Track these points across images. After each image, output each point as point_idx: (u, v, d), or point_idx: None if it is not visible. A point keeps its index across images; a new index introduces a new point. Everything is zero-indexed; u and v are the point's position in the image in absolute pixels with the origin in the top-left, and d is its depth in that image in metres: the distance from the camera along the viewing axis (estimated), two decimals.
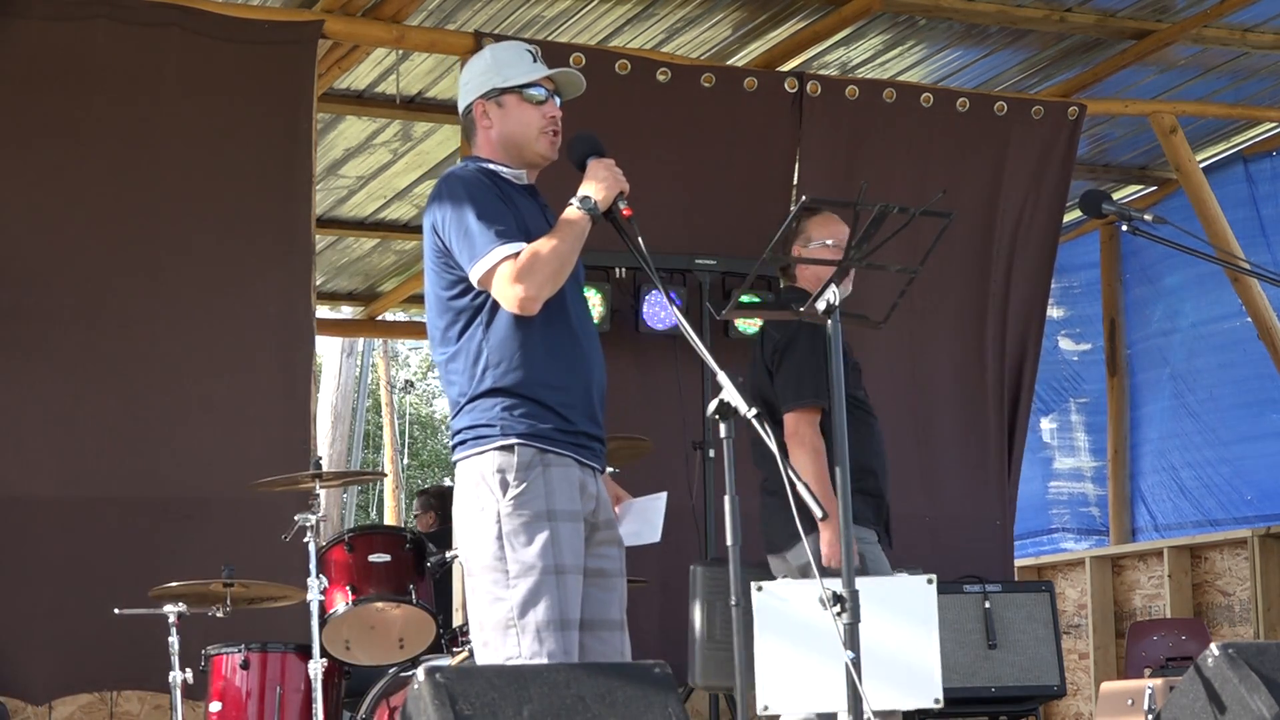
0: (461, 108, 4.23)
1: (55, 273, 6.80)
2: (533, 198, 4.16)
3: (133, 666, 6.57)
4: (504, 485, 3.93)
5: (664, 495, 4.25)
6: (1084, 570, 9.92)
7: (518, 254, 3.92)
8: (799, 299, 5.12)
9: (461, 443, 4.02)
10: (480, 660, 3.96)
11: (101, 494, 6.73)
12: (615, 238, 4.08)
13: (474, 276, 3.97)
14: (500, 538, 3.92)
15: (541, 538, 3.89)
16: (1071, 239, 10.05)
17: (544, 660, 3.83)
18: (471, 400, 4.00)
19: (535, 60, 4.19)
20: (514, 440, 3.95)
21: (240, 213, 7.09)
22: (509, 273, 3.91)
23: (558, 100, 4.19)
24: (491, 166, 4.15)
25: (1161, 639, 8.36)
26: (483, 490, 3.96)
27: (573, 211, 3.98)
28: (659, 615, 7.40)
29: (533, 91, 4.14)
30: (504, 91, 4.14)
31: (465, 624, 5.88)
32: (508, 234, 3.95)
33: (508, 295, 3.93)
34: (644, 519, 4.22)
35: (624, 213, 4.00)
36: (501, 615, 3.90)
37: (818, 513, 3.55)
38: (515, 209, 4.04)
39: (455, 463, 4.05)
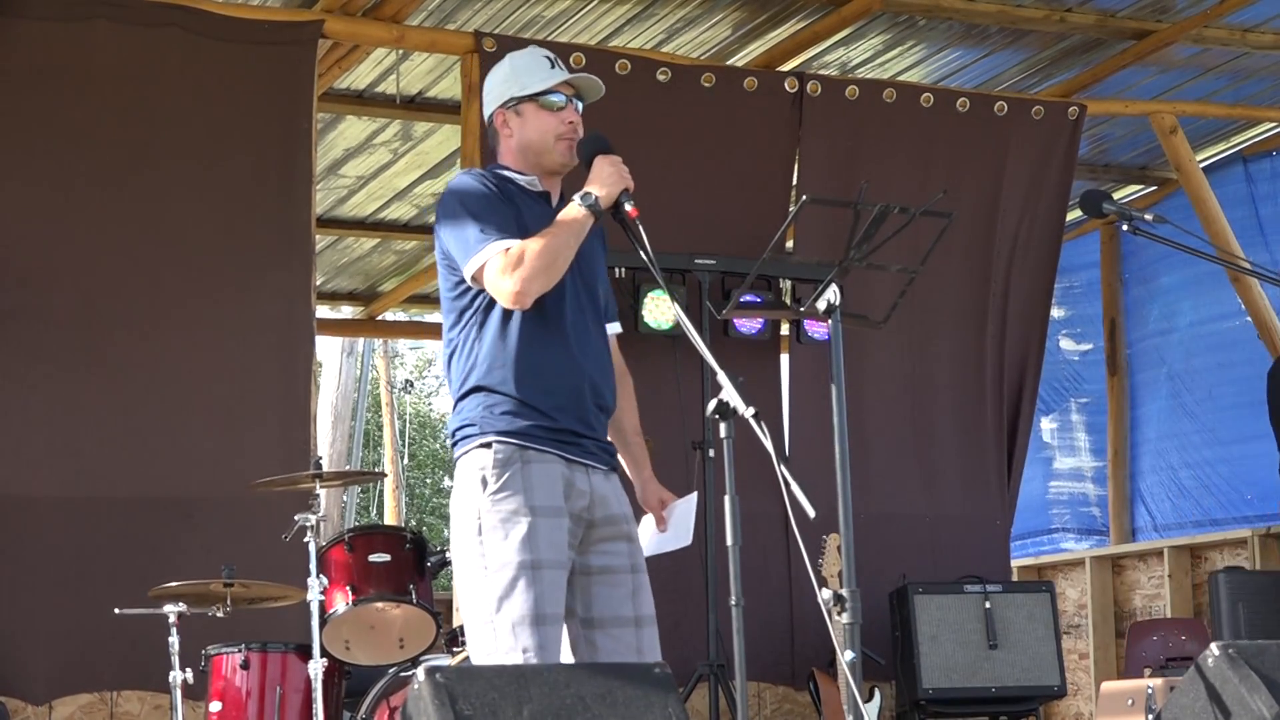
0: (485, 119, 4.27)
1: (55, 273, 6.80)
2: (545, 204, 4.16)
3: (133, 666, 6.57)
4: (484, 482, 3.98)
5: (694, 496, 4.25)
6: (1084, 570, 9.91)
7: (509, 249, 3.95)
8: None
9: (455, 443, 4.09)
10: (471, 655, 4.00)
11: (101, 494, 6.73)
12: (619, 236, 4.09)
13: (468, 273, 4.01)
14: (480, 533, 3.96)
15: (518, 532, 3.92)
16: (1072, 239, 10.05)
17: (518, 654, 3.86)
18: (461, 399, 4.07)
19: (553, 66, 4.19)
20: (491, 438, 3.99)
21: (240, 213, 7.09)
22: (499, 266, 3.94)
23: (579, 105, 4.20)
24: (506, 172, 4.17)
25: (1161, 639, 8.35)
26: (467, 488, 4.01)
27: (572, 208, 4.00)
28: (660, 615, 7.39)
29: (550, 98, 4.15)
30: (521, 100, 4.16)
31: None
32: (500, 230, 3.98)
33: (499, 289, 3.95)
34: (678, 522, 4.24)
35: (630, 212, 4.01)
36: (479, 610, 3.95)
37: (810, 512, 3.55)
38: (516, 209, 4.06)
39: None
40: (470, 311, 4.05)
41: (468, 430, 4.02)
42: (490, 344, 4.02)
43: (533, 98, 4.14)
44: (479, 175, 4.13)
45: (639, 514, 4.24)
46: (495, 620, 3.90)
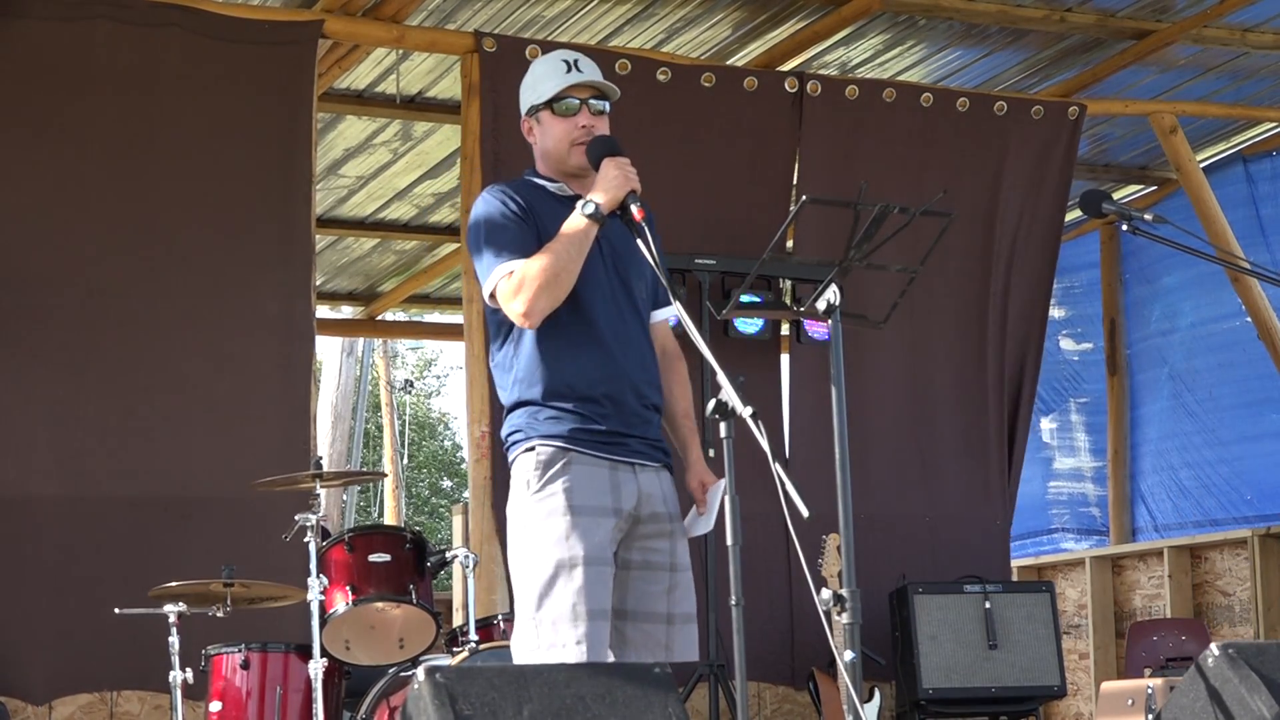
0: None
1: (55, 273, 6.80)
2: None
3: (133, 666, 6.57)
4: (528, 484, 4.06)
5: (722, 483, 4.22)
6: (1084, 570, 9.92)
7: (512, 272, 4.01)
8: None
9: (507, 449, 4.19)
10: (514, 654, 4.06)
11: (101, 494, 6.73)
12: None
13: (485, 298, 4.11)
14: (525, 532, 4.05)
15: (558, 532, 3.99)
16: (1072, 239, 10.05)
17: (559, 650, 3.91)
18: (510, 410, 4.16)
19: (570, 70, 4.17)
20: (535, 441, 4.07)
21: (240, 213, 7.09)
22: (505, 291, 4.03)
23: (606, 105, 4.19)
24: (537, 180, 4.22)
25: (1161, 639, 8.36)
26: (515, 490, 4.11)
27: (574, 218, 4.02)
28: None
29: (564, 103, 4.15)
30: (539, 108, 4.18)
31: (465, 624, 5.90)
32: (511, 251, 4.04)
33: (509, 312, 4.05)
34: (709, 508, 4.24)
35: (637, 214, 4.00)
36: (523, 608, 4.03)
37: (805, 512, 3.55)
38: (537, 221, 4.09)
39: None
40: (506, 328, 4.14)
41: (515, 436, 4.12)
42: (528, 358, 4.10)
43: (548, 104, 4.16)
44: (497, 192, 4.17)
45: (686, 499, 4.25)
46: (538, 617, 3.97)
